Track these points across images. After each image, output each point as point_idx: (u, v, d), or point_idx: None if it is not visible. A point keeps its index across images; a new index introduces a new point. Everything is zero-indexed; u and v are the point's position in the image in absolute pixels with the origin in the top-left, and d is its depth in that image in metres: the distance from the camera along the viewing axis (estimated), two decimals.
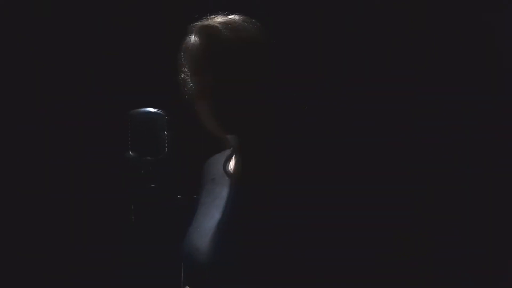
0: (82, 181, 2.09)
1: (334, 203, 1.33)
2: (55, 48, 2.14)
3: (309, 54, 1.69)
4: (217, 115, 1.39)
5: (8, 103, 2.13)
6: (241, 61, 1.37)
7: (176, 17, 1.73)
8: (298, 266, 1.30)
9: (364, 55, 1.92)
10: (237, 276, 1.33)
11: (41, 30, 2.12)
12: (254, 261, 1.32)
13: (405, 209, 1.86)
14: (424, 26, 1.93)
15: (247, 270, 1.32)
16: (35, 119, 2.13)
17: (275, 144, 1.43)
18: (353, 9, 1.93)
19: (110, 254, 2.02)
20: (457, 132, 1.91)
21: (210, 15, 1.44)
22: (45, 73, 2.14)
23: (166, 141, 1.49)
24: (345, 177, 1.37)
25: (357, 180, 1.38)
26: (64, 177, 2.11)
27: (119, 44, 2.09)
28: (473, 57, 1.91)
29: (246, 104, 1.38)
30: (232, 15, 1.44)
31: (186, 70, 1.46)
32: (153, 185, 1.51)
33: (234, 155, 1.51)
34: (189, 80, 1.46)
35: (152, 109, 1.50)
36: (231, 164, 1.51)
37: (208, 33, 1.40)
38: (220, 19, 1.42)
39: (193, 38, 1.42)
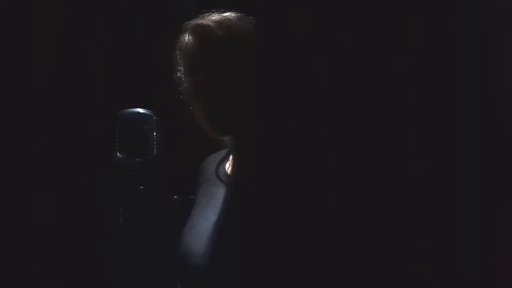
0: (70, 183, 2.03)
1: (331, 205, 1.32)
2: (41, 49, 2.09)
3: (305, 53, 1.67)
4: (211, 117, 1.39)
5: None
6: (235, 62, 1.36)
7: (170, 14, 1.72)
8: (294, 268, 1.29)
9: (362, 56, 1.93)
10: (231, 279, 1.32)
11: (28, 31, 2.09)
12: (248, 264, 1.31)
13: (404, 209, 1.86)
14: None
15: (241, 273, 1.31)
16: (22, 120, 2.09)
17: (271, 144, 1.42)
18: (353, 10, 1.93)
19: (100, 257, 1.98)
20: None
21: (205, 12, 1.42)
22: (32, 73, 2.10)
23: (155, 142, 1.47)
24: (342, 177, 1.37)
25: (354, 180, 1.38)
26: (51, 179, 2.05)
27: (108, 44, 2.06)
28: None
29: (240, 105, 1.37)
30: (228, 12, 1.42)
31: (181, 69, 1.44)
32: (142, 187, 1.50)
33: (230, 155, 1.49)
34: (184, 79, 1.44)
35: (140, 110, 1.49)
36: (227, 165, 1.49)
37: (201, 33, 1.39)
38: (215, 17, 1.41)
39: (187, 37, 1.41)
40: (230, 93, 1.37)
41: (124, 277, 1.58)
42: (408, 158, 1.91)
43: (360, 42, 1.93)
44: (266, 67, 1.40)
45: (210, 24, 1.39)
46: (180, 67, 1.45)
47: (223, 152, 1.53)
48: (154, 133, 1.46)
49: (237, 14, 1.43)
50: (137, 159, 1.45)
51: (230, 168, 1.49)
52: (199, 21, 1.41)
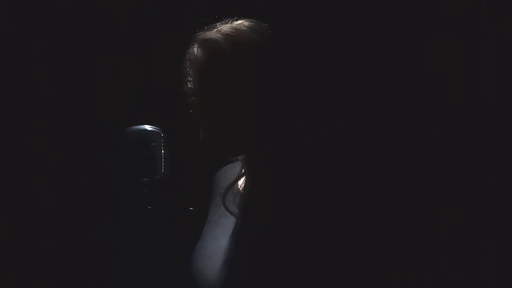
0: (75, 204, 2.02)
1: (345, 227, 1.28)
2: (44, 60, 2.05)
3: (316, 65, 1.62)
4: (216, 140, 1.35)
5: None
6: (241, 79, 1.30)
7: (180, 22, 1.67)
8: None
9: (371, 69, 1.90)
10: None
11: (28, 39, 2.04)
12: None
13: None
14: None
15: None
16: (25, 134, 2.05)
17: (284, 164, 1.36)
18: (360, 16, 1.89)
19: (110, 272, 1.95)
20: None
21: (217, 17, 1.36)
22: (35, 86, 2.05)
23: (163, 160, 1.42)
24: (357, 197, 1.31)
25: (368, 196, 1.33)
26: (57, 200, 2.02)
27: (115, 57, 2.01)
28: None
29: (246, 125, 1.32)
30: (241, 20, 1.36)
31: (191, 80, 1.38)
32: (150, 207, 1.45)
33: (243, 171, 1.44)
34: (193, 93, 1.39)
35: (148, 127, 1.44)
36: (240, 182, 1.44)
37: (209, 48, 1.32)
38: (225, 28, 1.34)
39: (195, 50, 1.35)
40: (238, 114, 1.31)
41: None
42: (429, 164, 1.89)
43: (369, 56, 1.91)
44: (277, 81, 1.33)
45: (218, 38, 1.32)
46: (190, 77, 1.39)
47: (238, 166, 1.47)
48: (162, 151, 1.41)
49: (250, 23, 1.35)
50: (145, 179, 1.41)
51: (242, 186, 1.43)
52: (208, 34, 1.34)
